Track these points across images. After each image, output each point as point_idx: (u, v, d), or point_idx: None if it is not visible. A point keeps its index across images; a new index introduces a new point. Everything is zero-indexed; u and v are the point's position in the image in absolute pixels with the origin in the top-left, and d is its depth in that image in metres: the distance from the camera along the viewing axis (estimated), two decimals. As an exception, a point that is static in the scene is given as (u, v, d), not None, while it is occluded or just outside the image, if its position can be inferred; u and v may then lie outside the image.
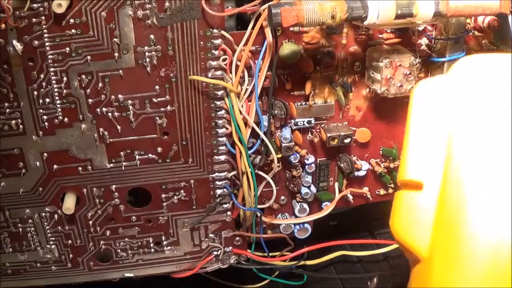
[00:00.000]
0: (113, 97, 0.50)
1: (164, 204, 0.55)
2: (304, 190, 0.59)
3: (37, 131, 0.50)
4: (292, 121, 0.56)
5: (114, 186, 0.54)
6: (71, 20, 0.46)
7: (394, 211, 0.40)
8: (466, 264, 0.34)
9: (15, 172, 0.52)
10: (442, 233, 0.35)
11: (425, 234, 0.37)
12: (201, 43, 0.49)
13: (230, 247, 0.59)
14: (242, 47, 0.50)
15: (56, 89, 0.49)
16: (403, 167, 0.40)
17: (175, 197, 0.55)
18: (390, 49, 0.53)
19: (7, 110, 0.49)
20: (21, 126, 0.50)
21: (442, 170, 0.36)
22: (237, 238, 0.59)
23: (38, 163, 0.52)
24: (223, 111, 0.52)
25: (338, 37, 0.53)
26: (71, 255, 0.57)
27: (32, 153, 0.51)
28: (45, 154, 0.51)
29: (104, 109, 0.50)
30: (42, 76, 0.48)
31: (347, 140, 0.56)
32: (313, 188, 0.60)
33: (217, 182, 0.55)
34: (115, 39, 0.47)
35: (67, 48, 0.47)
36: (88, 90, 0.49)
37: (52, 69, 0.48)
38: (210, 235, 0.58)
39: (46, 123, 0.50)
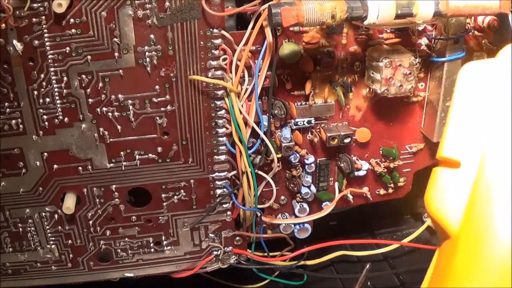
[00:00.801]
0: (113, 97, 0.50)
1: (164, 204, 0.55)
2: (304, 190, 0.59)
3: (37, 131, 0.50)
4: (292, 121, 0.56)
5: (114, 186, 0.54)
6: (71, 20, 0.46)
7: (430, 186, 0.40)
8: (489, 252, 0.34)
9: (15, 172, 0.52)
10: (473, 215, 0.36)
11: (458, 212, 0.37)
12: (201, 43, 0.49)
13: (230, 247, 0.59)
14: (242, 47, 0.50)
15: (56, 89, 0.49)
16: (442, 144, 0.40)
17: (175, 197, 0.55)
18: (390, 49, 0.53)
19: (7, 110, 0.49)
20: (21, 126, 0.50)
21: (481, 155, 0.36)
22: (237, 238, 0.59)
23: (38, 163, 0.52)
24: (223, 111, 0.52)
25: (338, 37, 0.53)
26: (71, 255, 0.57)
27: (32, 153, 0.51)
28: (45, 154, 0.51)
29: (104, 109, 0.50)
30: (42, 76, 0.48)
31: (347, 140, 0.56)
32: (313, 188, 0.60)
33: (217, 182, 0.55)
34: (115, 39, 0.47)
35: (67, 48, 0.47)
36: (88, 90, 0.49)
37: (52, 69, 0.48)
38: (210, 235, 0.58)
39: (46, 123, 0.50)
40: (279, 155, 0.56)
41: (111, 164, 0.53)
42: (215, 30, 0.49)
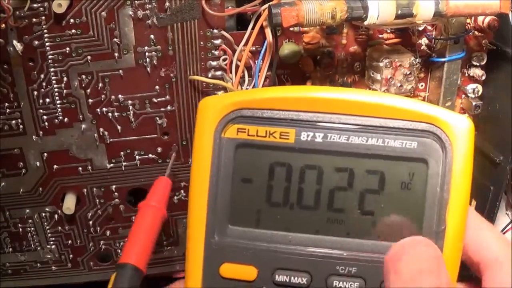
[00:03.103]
0: (113, 97, 0.50)
1: (164, 204, 0.55)
2: (304, 190, 0.59)
3: (37, 131, 0.50)
4: (292, 121, 0.56)
5: (114, 186, 0.54)
6: (71, 20, 0.46)
7: None
8: None
9: (15, 172, 0.52)
10: None
11: None
12: (201, 43, 0.49)
13: (230, 247, 0.59)
14: (242, 47, 0.50)
15: (56, 89, 0.49)
16: None
17: (175, 197, 0.55)
18: (390, 49, 0.53)
19: (7, 110, 0.49)
20: (21, 126, 0.50)
21: None
22: (237, 238, 0.59)
23: (38, 163, 0.52)
24: (223, 111, 0.52)
25: (338, 37, 0.53)
26: (71, 255, 0.57)
27: (32, 153, 0.51)
28: (45, 154, 0.51)
29: (104, 109, 0.50)
30: (42, 76, 0.48)
31: (347, 140, 0.56)
32: (313, 188, 0.60)
33: (217, 182, 0.55)
34: (115, 39, 0.47)
35: (67, 48, 0.47)
36: (88, 90, 0.49)
37: (52, 69, 0.48)
38: (210, 235, 0.58)
39: (46, 123, 0.50)
40: (279, 155, 0.56)
41: (111, 164, 0.53)
42: (215, 31, 0.49)
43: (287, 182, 0.36)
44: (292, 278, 0.35)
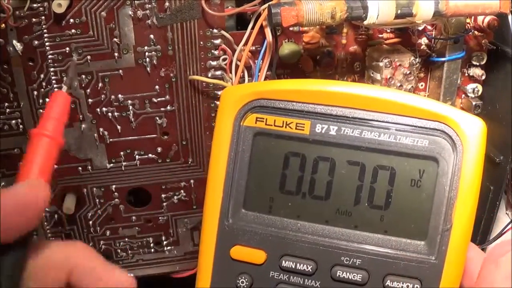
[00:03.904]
0: (113, 97, 0.50)
1: (164, 204, 0.55)
2: (304, 190, 0.59)
3: (37, 131, 0.50)
4: (292, 121, 0.56)
5: (114, 186, 0.54)
6: (71, 20, 0.46)
7: None
8: None
9: (15, 172, 0.52)
10: None
11: None
12: (201, 43, 0.49)
13: (230, 247, 0.59)
14: (242, 47, 0.50)
15: (56, 89, 0.49)
16: None
17: (175, 197, 0.55)
18: (390, 49, 0.53)
19: (7, 110, 0.49)
20: (21, 126, 0.50)
21: None
22: (237, 238, 0.59)
23: (38, 163, 0.52)
24: (223, 111, 0.52)
25: (338, 37, 0.53)
26: (71, 255, 0.57)
27: (32, 153, 0.51)
28: (45, 154, 0.51)
29: (104, 109, 0.50)
30: (42, 76, 0.48)
31: (347, 140, 0.56)
32: (313, 188, 0.60)
33: (217, 182, 0.55)
34: (115, 39, 0.47)
35: (67, 48, 0.47)
36: (88, 90, 0.49)
37: (52, 69, 0.48)
38: (210, 235, 0.58)
39: (46, 123, 0.50)
40: (279, 155, 0.56)
41: (111, 164, 0.53)
42: (215, 30, 0.49)
43: (300, 171, 0.37)
44: (298, 264, 0.36)
